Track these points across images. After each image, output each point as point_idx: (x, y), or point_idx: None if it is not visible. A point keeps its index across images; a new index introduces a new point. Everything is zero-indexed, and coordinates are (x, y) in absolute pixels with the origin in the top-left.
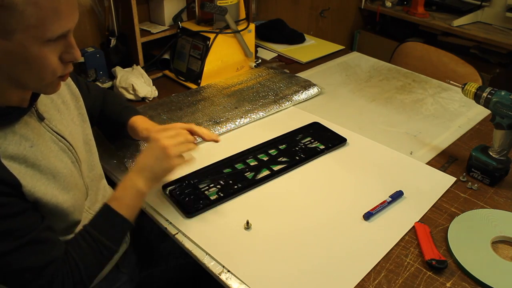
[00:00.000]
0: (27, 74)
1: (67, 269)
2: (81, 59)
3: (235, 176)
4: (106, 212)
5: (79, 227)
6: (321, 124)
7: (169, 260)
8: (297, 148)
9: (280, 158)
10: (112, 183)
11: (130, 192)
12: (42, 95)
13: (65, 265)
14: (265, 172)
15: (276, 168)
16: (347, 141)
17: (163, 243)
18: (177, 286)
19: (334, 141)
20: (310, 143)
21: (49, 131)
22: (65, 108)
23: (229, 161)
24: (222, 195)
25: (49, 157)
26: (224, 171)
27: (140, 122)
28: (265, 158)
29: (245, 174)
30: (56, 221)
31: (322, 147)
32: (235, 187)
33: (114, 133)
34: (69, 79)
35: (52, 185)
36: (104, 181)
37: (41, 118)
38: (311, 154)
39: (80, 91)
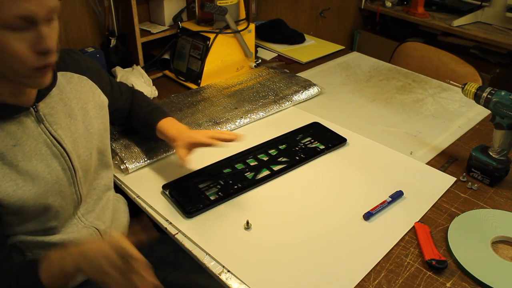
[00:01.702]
0: (0, 64)
1: None
2: (53, 49)
3: (235, 176)
4: (32, 268)
5: (59, 231)
6: (321, 124)
7: None
8: (297, 148)
9: (280, 158)
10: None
11: (57, 267)
12: (52, 98)
13: None
14: (265, 172)
15: (276, 168)
16: (347, 141)
17: (165, 271)
18: None
19: (334, 141)
20: (310, 143)
21: (45, 134)
22: (81, 115)
23: (229, 161)
24: (222, 195)
25: (33, 159)
26: (224, 171)
27: (167, 127)
28: (265, 158)
29: (245, 174)
30: (23, 222)
31: (322, 147)
32: (235, 187)
33: (143, 133)
34: (96, 87)
35: (29, 187)
36: (110, 192)
37: (39, 120)
38: (311, 154)
39: (112, 94)
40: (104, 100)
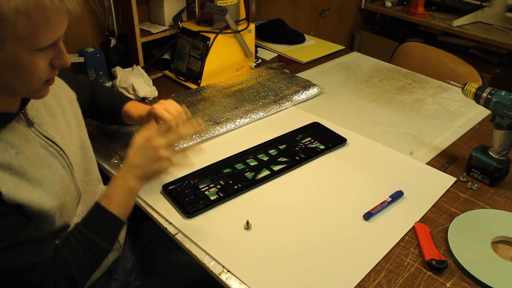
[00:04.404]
0: (16, 80)
1: (58, 268)
2: (69, 64)
3: (235, 176)
4: (97, 210)
5: (67, 232)
6: (321, 124)
7: (168, 272)
8: (297, 148)
9: (280, 158)
10: None
11: (122, 190)
12: (33, 100)
13: (55, 264)
14: (265, 172)
15: (276, 168)
16: (347, 141)
17: (162, 253)
18: None
19: (334, 141)
20: (310, 143)
21: (38, 136)
22: (60, 112)
23: (229, 161)
24: (222, 195)
25: (35, 163)
26: (224, 171)
27: (133, 108)
28: (265, 158)
29: (245, 174)
30: (41, 225)
31: (322, 147)
32: (235, 187)
33: (108, 120)
34: (63, 82)
35: (39, 192)
36: (102, 185)
37: (30, 123)
38: (311, 154)
39: (73, 88)
40: (72, 94)
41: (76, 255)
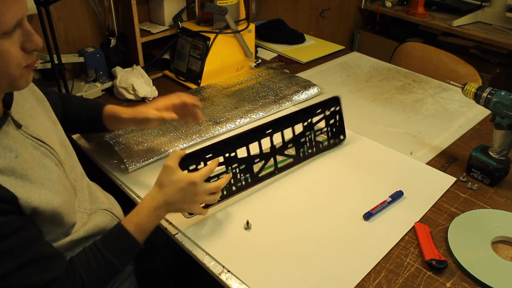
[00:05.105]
0: None
1: (71, 285)
2: (42, 46)
3: (243, 164)
4: (121, 233)
5: (75, 228)
6: (340, 106)
7: (166, 248)
8: (306, 139)
9: (287, 150)
10: (111, 182)
11: (152, 220)
12: (14, 103)
13: (69, 280)
14: (268, 170)
15: (280, 165)
16: (347, 141)
17: (158, 231)
18: (176, 273)
19: (338, 133)
20: (320, 132)
21: (28, 138)
22: (34, 113)
23: (240, 138)
24: (222, 194)
25: (33, 165)
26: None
27: (121, 109)
28: (277, 139)
29: (254, 163)
30: (55, 227)
31: (325, 143)
32: (236, 186)
33: (88, 127)
34: (32, 84)
35: (45, 191)
36: (87, 178)
37: (18, 126)
38: (316, 150)
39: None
40: (39, 93)
41: (92, 274)
